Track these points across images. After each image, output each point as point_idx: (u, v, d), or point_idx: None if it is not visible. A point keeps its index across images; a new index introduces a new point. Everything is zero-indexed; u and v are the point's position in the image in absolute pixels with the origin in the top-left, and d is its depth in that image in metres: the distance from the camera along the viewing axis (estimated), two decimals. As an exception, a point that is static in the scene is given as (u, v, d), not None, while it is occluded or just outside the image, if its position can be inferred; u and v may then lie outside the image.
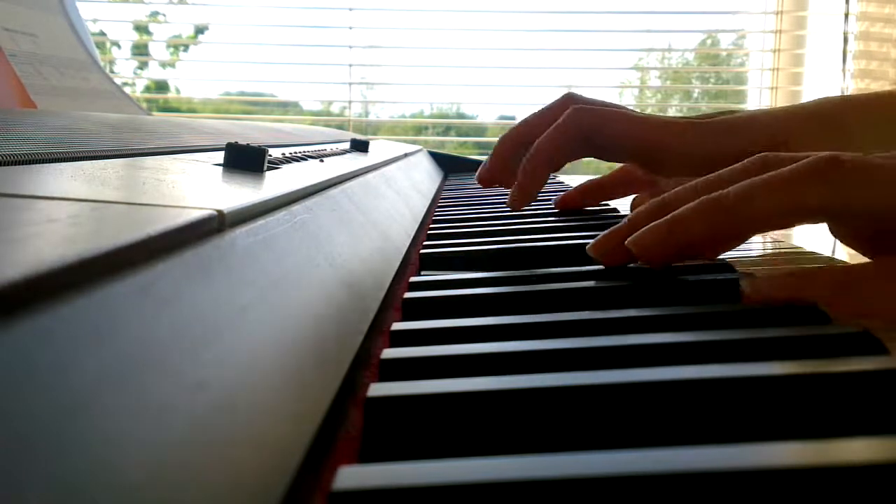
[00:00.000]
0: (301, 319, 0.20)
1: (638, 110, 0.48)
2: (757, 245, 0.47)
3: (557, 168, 0.45)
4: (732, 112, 0.45)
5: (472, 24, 1.93)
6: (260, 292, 0.19)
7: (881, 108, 0.43)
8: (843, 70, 1.72)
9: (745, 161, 0.31)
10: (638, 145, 0.43)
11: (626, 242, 0.30)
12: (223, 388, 0.14)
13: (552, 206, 0.58)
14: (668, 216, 0.29)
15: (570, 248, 0.39)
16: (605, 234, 0.32)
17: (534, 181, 0.44)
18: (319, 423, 0.16)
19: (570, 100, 0.47)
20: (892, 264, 0.26)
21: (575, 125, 0.43)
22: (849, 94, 0.46)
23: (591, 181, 0.56)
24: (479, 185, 0.51)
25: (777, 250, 0.44)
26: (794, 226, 0.28)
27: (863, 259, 0.30)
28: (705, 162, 0.41)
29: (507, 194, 0.47)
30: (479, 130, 2.14)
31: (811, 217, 0.27)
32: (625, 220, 0.32)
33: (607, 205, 0.58)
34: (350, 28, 1.90)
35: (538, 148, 0.44)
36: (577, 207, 0.55)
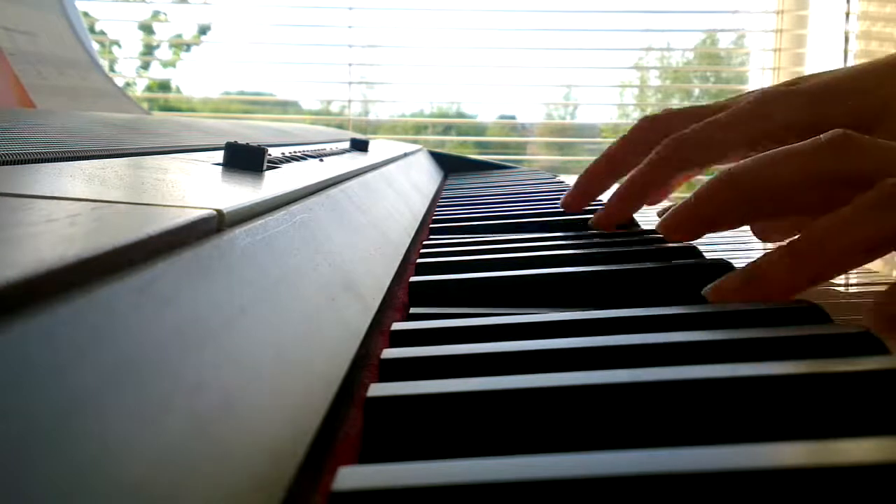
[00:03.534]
0: (301, 319, 0.20)
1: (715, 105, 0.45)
2: (757, 245, 0.47)
3: (649, 197, 0.45)
4: (818, 75, 0.43)
5: (472, 24, 1.93)
6: (259, 292, 0.19)
7: None
8: (844, 69, 1.71)
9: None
10: (740, 148, 0.41)
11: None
12: (223, 389, 0.14)
13: (551, 205, 0.58)
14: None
15: (572, 247, 0.39)
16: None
17: (625, 209, 0.44)
18: (319, 424, 0.16)
19: (652, 125, 0.46)
20: None
21: (673, 157, 0.42)
22: None
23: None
24: (478, 185, 0.51)
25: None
26: None
27: None
28: (804, 132, 0.37)
29: (504, 195, 0.47)
30: (479, 130, 2.14)
31: None
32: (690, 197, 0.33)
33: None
34: (350, 27, 1.90)
35: (636, 178, 0.43)
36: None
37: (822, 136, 0.30)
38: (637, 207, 0.44)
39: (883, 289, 0.28)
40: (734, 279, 0.28)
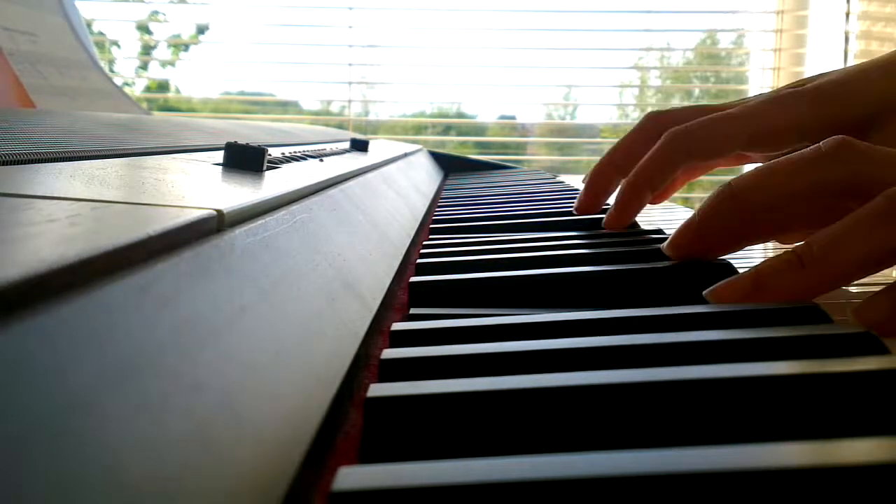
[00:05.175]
0: (300, 319, 0.20)
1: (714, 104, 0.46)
2: (757, 245, 0.47)
3: (657, 191, 0.45)
4: (826, 76, 0.43)
5: (473, 24, 1.93)
6: (259, 292, 0.19)
7: None
8: (844, 69, 1.71)
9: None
10: (740, 144, 0.42)
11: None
12: (222, 389, 0.14)
13: (551, 205, 0.58)
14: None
15: (571, 247, 0.39)
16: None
17: (633, 206, 0.44)
18: (319, 424, 0.16)
19: (657, 121, 0.46)
20: None
21: (674, 150, 0.42)
22: None
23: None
24: (478, 185, 0.51)
25: (777, 249, 0.44)
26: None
27: None
28: (808, 133, 0.40)
29: (504, 195, 0.47)
30: (479, 130, 2.14)
31: None
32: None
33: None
34: (350, 27, 1.90)
35: (638, 173, 0.43)
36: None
37: (821, 144, 0.30)
38: (643, 202, 0.44)
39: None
40: (739, 286, 0.28)
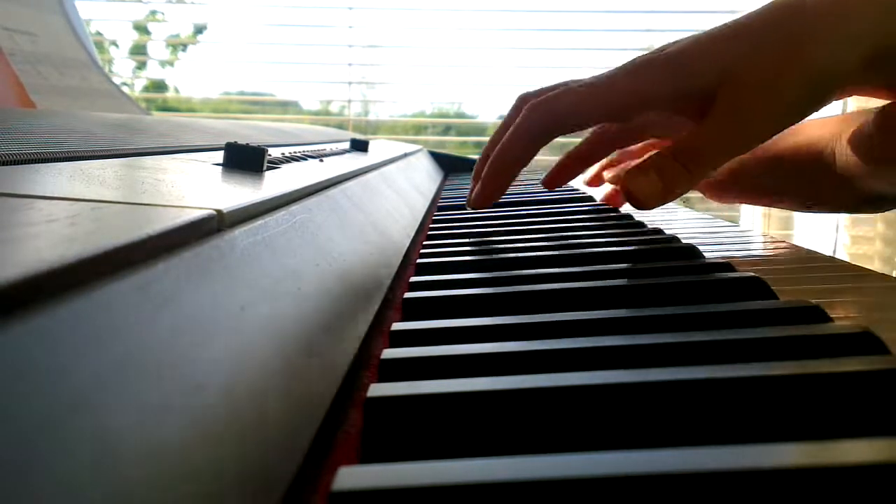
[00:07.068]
0: (300, 319, 0.20)
1: (583, 78, 0.46)
2: (757, 245, 0.47)
3: (524, 165, 0.45)
4: (679, 42, 0.43)
5: (473, 24, 1.93)
6: (259, 292, 0.19)
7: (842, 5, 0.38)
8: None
9: None
10: (598, 115, 0.43)
11: None
12: (222, 389, 0.14)
13: (551, 205, 0.58)
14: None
15: (573, 246, 0.39)
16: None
17: (497, 183, 0.44)
18: (319, 424, 0.16)
19: (523, 101, 0.47)
20: None
21: (532, 123, 0.42)
22: None
23: (568, 154, 0.54)
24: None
25: (777, 250, 0.44)
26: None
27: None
28: (659, 102, 0.41)
29: (504, 195, 0.46)
30: (479, 130, 2.14)
31: None
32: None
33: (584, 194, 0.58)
34: (350, 27, 1.90)
35: (500, 150, 0.43)
36: (564, 184, 0.54)
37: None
38: (510, 179, 0.44)
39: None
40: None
